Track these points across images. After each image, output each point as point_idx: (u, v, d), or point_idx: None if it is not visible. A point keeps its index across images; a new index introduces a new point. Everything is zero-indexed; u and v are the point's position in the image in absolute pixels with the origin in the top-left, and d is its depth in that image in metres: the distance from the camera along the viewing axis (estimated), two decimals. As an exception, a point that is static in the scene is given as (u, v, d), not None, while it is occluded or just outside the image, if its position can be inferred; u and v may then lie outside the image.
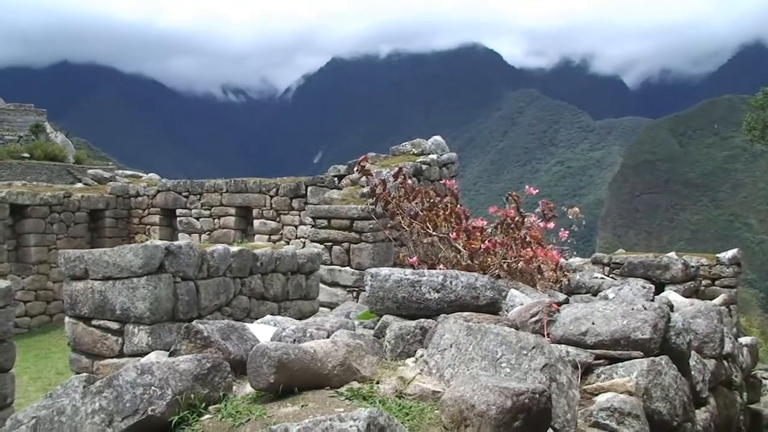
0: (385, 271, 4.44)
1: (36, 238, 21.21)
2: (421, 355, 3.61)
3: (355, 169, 17.41)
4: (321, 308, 11.29)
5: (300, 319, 5.15)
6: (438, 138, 19.62)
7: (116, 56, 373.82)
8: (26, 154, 42.02)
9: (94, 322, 8.48)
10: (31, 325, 20.28)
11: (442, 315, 4.00)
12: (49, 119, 56.44)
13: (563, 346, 3.72)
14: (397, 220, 6.13)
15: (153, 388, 2.86)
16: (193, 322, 3.74)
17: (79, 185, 26.40)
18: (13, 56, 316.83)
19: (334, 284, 15.91)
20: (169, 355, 3.72)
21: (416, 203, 6.09)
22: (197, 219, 22.93)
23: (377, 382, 3.32)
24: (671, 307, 5.07)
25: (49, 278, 21.05)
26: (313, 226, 16.92)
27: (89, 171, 29.30)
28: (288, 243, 19.58)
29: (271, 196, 21.32)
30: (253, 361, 3.06)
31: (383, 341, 3.97)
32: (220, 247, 9.69)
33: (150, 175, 27.28)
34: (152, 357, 3.90)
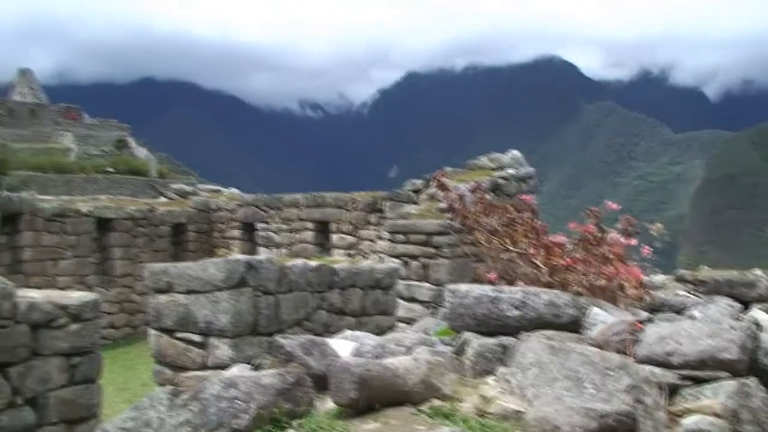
0: (464, 287, 4.41)
1: (121, 252, 21.79)
2: (503, 374, 3.58)
3: (432, 183, 17.50)
4: (398, 323, 11.28)
5: (378, 334, 5.16)
6: (515, 152, 19.48)
7: (196, 72, 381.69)
8: (111, 169, 43.32)
9: (177, 335, 8.66)
10: (116, 337, 20.80)
11: (523, 333, 3.96)
12: (132, 134, 58.17)
13: (648, 366, 3.64)
14: (475, 236, 6.08)
15: (237, 401, 2.91)
16: (276, 337, 3.80)
17: (162, 199, 27.07)
18: (98, 73, 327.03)
19: (411, 299, 15.91)
20: (253, 369, 3.78)
21: (494, 219, 6.05)
22: (276, 233, 23.21)
23: (458, 400, 3.31)
24: (759, 326, 4.92)
25: (134, 291, 21.55)
26: (390, 241, 16.96)
27: (173, 186, 30.06)
28: (365, 258, 19.66)
29: (349, 211, 21.43)
30: (335, 377, 3.09)
31: (463, 358, 3.94)
32: (299, 261, 9.79)
33: (231, 189, 27.77)
34: (235, 370, 3.97)
